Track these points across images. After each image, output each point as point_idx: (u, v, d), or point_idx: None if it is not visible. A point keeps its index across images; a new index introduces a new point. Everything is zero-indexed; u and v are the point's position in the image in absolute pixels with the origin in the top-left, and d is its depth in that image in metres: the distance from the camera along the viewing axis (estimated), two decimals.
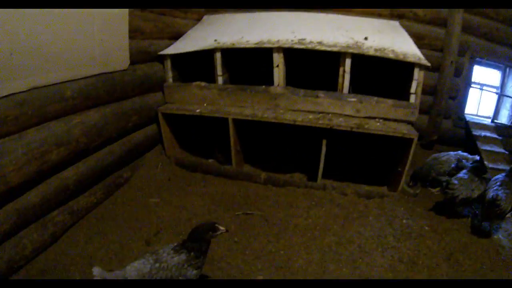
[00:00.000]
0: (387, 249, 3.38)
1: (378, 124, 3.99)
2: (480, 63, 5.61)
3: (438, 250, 3.43)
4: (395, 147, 4.24)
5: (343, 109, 4.19)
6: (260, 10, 5.20)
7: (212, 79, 4.68)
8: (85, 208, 3.81)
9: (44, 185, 3.27)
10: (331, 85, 4.29)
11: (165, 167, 4.81)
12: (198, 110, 4.48)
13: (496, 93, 5.90)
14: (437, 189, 4.48)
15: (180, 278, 2.50)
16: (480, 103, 6.05)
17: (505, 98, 5.94)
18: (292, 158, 5.09)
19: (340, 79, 4.19)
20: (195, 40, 4.77)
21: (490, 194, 3.56)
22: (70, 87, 3.44)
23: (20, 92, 2.95)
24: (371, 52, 4.01)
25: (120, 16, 3.96)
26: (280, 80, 4.37)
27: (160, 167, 4.78)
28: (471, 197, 3.82)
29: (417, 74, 4.03)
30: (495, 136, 5.46)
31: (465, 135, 5.60)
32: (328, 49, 4.06)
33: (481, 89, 5.85)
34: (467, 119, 5.55)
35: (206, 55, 4.59)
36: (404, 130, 3.85)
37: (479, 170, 3.96)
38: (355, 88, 4.35)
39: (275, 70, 4.35)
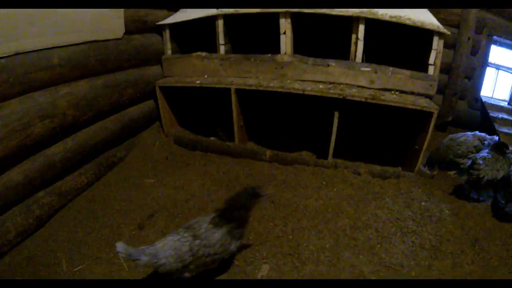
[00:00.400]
0: (407, 233, 2.95)
1: (395, 96, 3.50)
2: (496, 43, 5.10)
3: (462, 236, 3.01)
4: (412, 123, 3.76)
5: (356, 79, 3.70)
6: None
7: (213, 50, 4.20)
8: (74, 189, 3.43)
9: (27, 162, 2.91)
10: (343, 56, 3.81)
11: (162, 145, 4.35)
12: (198, 82, 4.01)
13: None
14: (454, 172, 4.02)
15: (224, 254, 2.32)
16: (496, 85, 5.54)
17: None
18: (300, 134, 4.58)
19: (352, 47, 3.69)
20: (196, 10, 4.25)
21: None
22: (58, 54, 3.09)
23: (1, 58, 2.61)
24: (387, 18, 3.51)
25: None
26: (287, 48, 3.87)
27: (157, 145, 4.31)
28: (496, 178, 3.40)
29: (436, 43, 3.54)
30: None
31: (480, 117, 5.11)
32: (340, 13, 3.54)
33: (498, 69, 5.33)
34: (483, 100, 5.05)
35: (207, 24, 4.10)
36: (423, 103, 3.37)
37: (503, 148, 3.52)
38: (368, 58, 3.84)
39: (282, 38, 3.85)
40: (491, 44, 4.92)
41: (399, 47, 4.20)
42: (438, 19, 4.27)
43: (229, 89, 3.83)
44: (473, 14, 4.55)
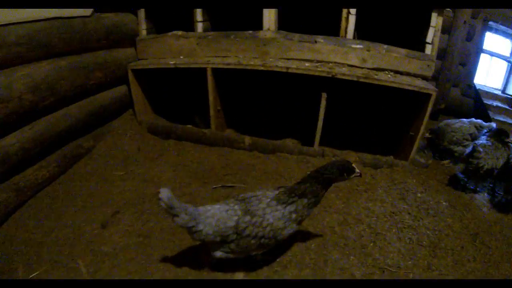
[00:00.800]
0: (403, 229, 2.55)
1: (389, 76, 3.06)
2: (492, 29, 4.70)
3: (461, 230, 2.68)
4: (406, 108, 3.33)
5: (347, 57, 3.24)
6: None
7: (193, 29, 3.69)
8: (34, 185, 2.93)
9: None
10: (333, 33, 3.36)
11: (135, 135, 3.84)
12: (172, 63, 3.50)
13: (508, 61, 5.00)
14: (447, 161, 3.64)
15: (274, 241, 1.91)
16: (489, 73, 5.16)
17: None
18: (285, 120, 4.11)
19: (343, 23, 3.24)
20: None
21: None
22: (14, 31, 2.64)
23: None
24: None
25: None
26: (270, 23, 3.39)
27: (129, 135, 3.80)
28: (496, 167, 3.07)
29: (435, 19, 3.12)
30: (507, 107, 4.67)
31: (473, 105, 4.73)
32: None
33: (492, 55, 4.93)
34: (477, 87, 4.66)
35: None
36: (420, 84, 2.94)
37: (502, 134, 3.19)
38: (360, 36, 3.39)
39: (265, 12, 3.36)
40: (486, 30, 4.52)
41: (394, 24, 3.75)
42: None
43: (206, 70, 3.35)
44: None
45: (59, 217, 2.67)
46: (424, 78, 3.17)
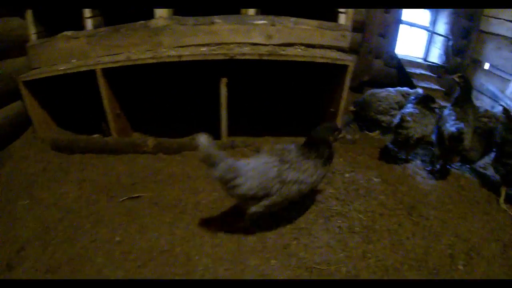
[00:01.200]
0: (331, 218, 2.22)
1: (299, 50, 2.68)
2: None
3: (396, 206, 2.43)
4: (326, 83, 2.99)
5: (250, 35, 2.84)
6: None
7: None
8: None
9: None
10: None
11: (38, 155, 3.18)
12: (62, 68, 2.93)
13: (428, 30, 4.88)
14: (377, 132, 3.39)
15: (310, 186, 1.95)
16: (410, 43, 5.06)
17: (435, 37, 5.00)
18: (191, 113, 3.65)
19: None
20: None
21: (451, 128, 2.63)
22: None
23: None
24: None
25: None
26: (163, 10, 2.91)
27: (32, 156, 3.18)
28: (426, 135, 2.87)
29: None
30: (429, 73, 4.56)
31: (397, 74, 4.54)
32: None
33: (412, 26, 4.77)
34: (399, 57, 4.46)
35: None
36: (335, 55, 2.60)
37: (429, 100, 2.99)
38: (267, 12, 2.98)
39: None
40: None
41: None
42: None
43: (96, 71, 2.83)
44: None
45: None
46: (341, 49, 2.85)
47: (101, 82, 2.81)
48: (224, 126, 2.79)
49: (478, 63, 5.11)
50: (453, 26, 4.79)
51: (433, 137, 2.89)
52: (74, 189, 2.67)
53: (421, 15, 4.95)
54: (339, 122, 2.83)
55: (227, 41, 2.83)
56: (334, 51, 2.78)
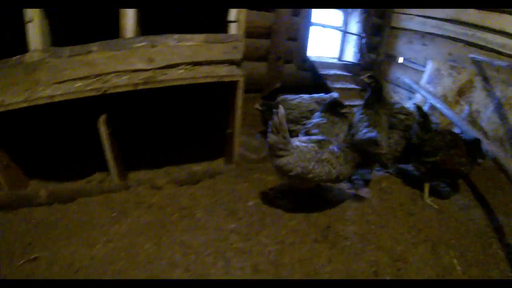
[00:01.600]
0: (232, 258, 1.96)
1: (182, 71, 2.43)
2: None
3: (309, 229, 2.27)
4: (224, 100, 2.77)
5: (129, 61, 2.50)
6: None
7: None
8: None
9: None
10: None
11: None
12: None
13: (340, 30, 4.93)
14: None
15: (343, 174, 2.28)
16: (324, 44, 5.08)
17: (349, 36, 5.11)
18: (90, 152, 3.25)
19: (122, 19, 2.53)
20: None
21: (364, 136, 2.52)
22: None
23: None
24: None
25: None
26: (37, 41, 2.50)
27: None
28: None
29: None
30: (345, 73, 4.56)
31: (312, 77, 4.48)
32: None
33: (325, 27, 4.77)
34: (312, 59, 4.41)
35: None
36: (222, 72, 2.38)
37: (336, 106, 2.92)
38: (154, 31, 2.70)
39: (29, 28, 2.46)
40: None
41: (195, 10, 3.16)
42: None
43: None
44: None
45: None
46: (233, 62, 2.63)
47: None
48: (113, 167, 2.45)
49: (392, 58, 5.30)
50: (365, 24, 4.90)
51: None
52: None
53: (333, 16, 5.00)
54: (236, 145, 2.61)
55: (106, 71, 2.47)
56: (225, 66, 2.55)
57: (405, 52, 5.08)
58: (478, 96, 3.95)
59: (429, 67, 4.55)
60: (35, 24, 2.51)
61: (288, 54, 4.17)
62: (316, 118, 2.84)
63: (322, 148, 2.22)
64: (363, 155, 2.33)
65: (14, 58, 2.54)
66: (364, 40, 4.91)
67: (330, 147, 2.27)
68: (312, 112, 3.24)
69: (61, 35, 2.73)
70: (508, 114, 3.69)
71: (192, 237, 2.07)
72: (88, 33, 2.59)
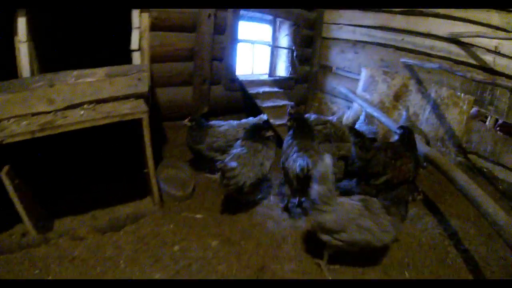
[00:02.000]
0: None
1: (82, 112, 2.20)
2: (245, 18, 4.44)
3: (240, 273, 2.10)
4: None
5: (30, 104, 2.21)
6: None
7: None
8: None
9: None
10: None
11: None
12: None
13: (269, 45, 4.92)
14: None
15: None
16: (255, 61, 4.98)
17: (280, 51, 5.10)
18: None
19: (18, 55, 2.28)
20: None
21: (296, 164, 2.39)
22: None
23: None
24: None
25: None
26: None
27: None
28: (265, 173, 2.65)
29: (138, 18, 2.45)
30: (276, 89, 4.52)
31: (242, 98, 4.40)
32: None
33: (254, 43, 4.70)
34: (241, 79, 4.32)
35: None
36: (124, 109, 2.20)
37: (261, 129, 2.74)
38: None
39: None
40: (239, 20, 4.17)
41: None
42: None
43: None
44: None
45: None
46: (141, 96, 2.44)
47: None
48: (27, 221, 2.14)
49: (327, 68, 5.33)
50: (295, 37, 4.89)
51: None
52: None
53: (261, 31, 4.95)
54: (154, 185, 2.42)
55: (5, 116, 2.17)
56: (131, 101, 2.34)
57: (338, 61, 5.14)
58: (414, 99, 4.06)
59: (363, 74, 4.62)
60: None
61: (215, 75, 4.03)
62: (237, 148, 2.66)
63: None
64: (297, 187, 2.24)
65: None
66: (295, 53, 4.90)
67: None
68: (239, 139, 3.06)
69: None
70: (445, 114, 3.82)
71: None
72: None
